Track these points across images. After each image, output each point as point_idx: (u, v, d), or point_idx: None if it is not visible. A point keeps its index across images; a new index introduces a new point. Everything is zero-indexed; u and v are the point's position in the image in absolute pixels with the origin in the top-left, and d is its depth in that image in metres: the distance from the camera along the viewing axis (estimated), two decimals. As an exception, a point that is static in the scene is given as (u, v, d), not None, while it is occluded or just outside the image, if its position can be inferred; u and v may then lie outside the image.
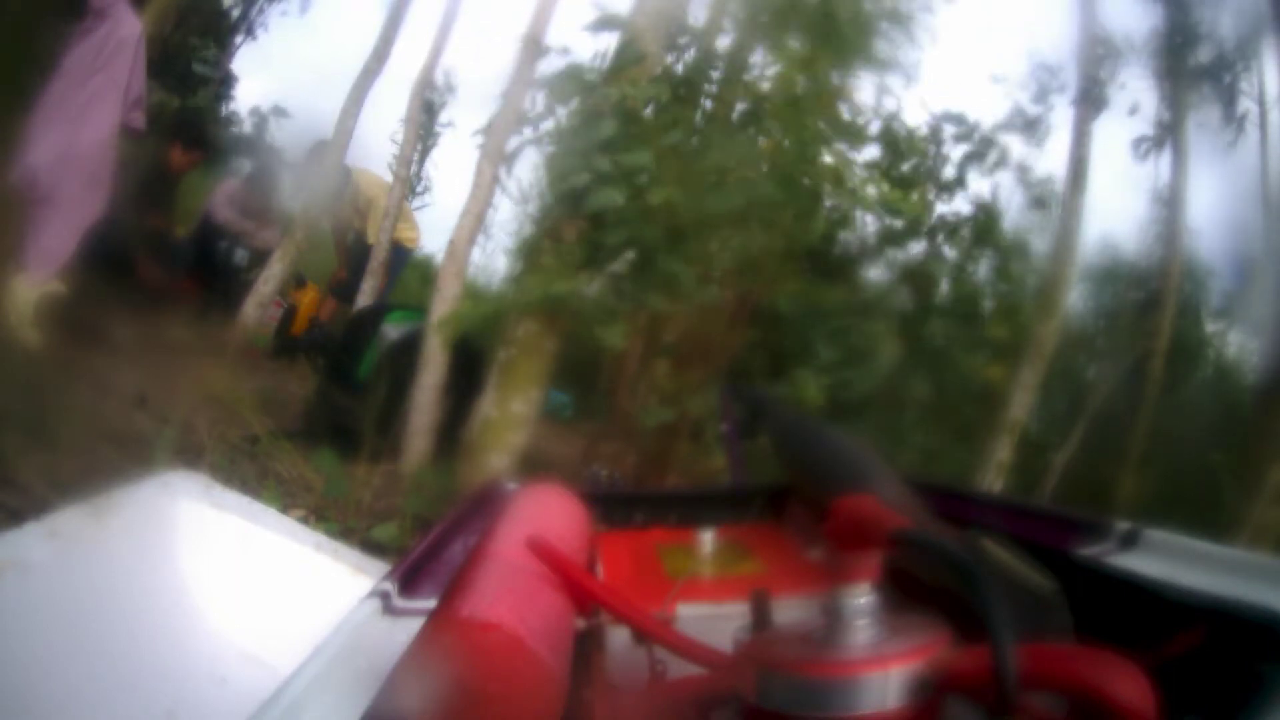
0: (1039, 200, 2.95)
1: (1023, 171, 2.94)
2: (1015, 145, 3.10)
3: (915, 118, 2.72)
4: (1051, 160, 3.29)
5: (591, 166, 2.01)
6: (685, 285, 2.01)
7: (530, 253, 2.25)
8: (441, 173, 5.50)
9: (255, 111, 5.50)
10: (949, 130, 2.72)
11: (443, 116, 3.82)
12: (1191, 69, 3.84)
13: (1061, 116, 3.48)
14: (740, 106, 2.34)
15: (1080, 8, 3.56)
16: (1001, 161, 2.82)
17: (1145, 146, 3.82)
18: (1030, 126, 3.39)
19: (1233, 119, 3.86)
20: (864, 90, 2.45)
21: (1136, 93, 3.79)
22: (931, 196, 2.68)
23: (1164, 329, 3.80)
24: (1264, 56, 3.86)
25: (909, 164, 2.68)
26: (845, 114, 2.43)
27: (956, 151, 2.77)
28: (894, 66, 2.33)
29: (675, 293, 2.00)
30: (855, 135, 2.44)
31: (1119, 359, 3.98)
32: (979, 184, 2.80)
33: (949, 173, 2.71)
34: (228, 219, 3.84)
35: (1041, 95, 3.59)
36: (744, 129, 2.30)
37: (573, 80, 2.20)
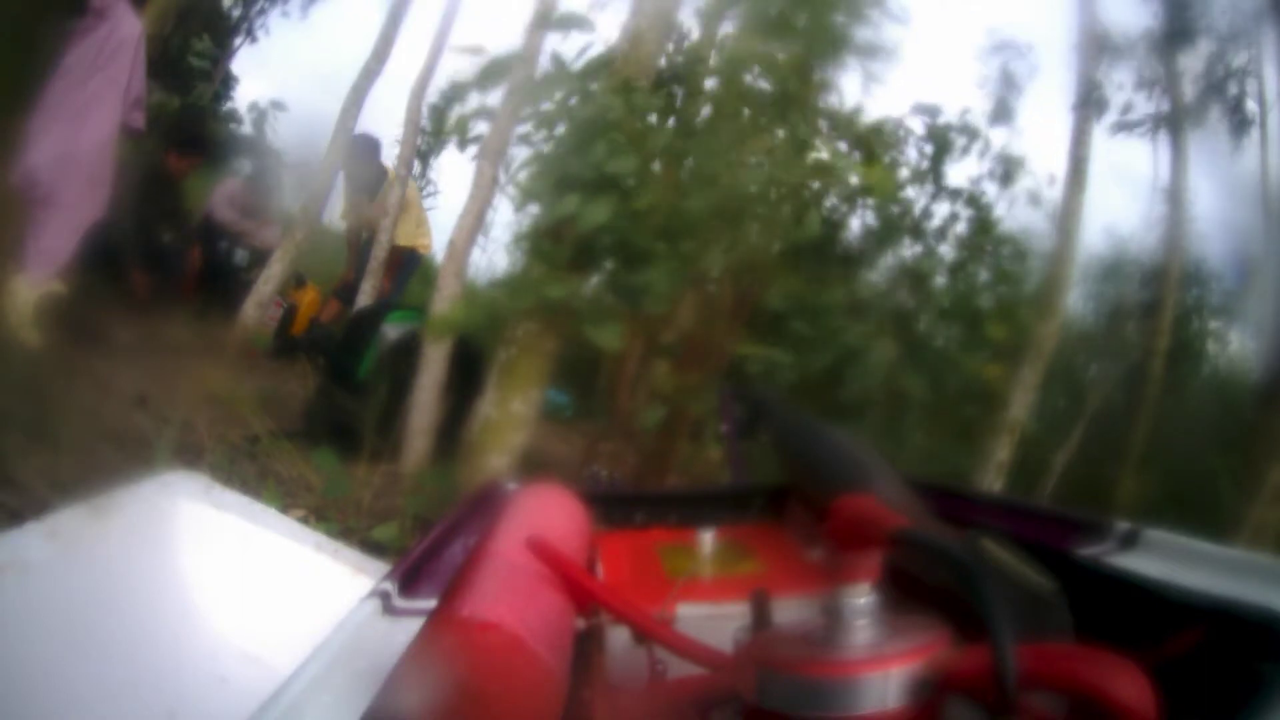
0: (1006, 175, 2.94)
1: (1005, 161, 2.94)
2: (994, 135, 3.11)
3: (896, 108, 2.72)
4: (1025, 142, 3.31)
5: (578, 176, 2.01)
6: (672, 286, 2.01)
7: (526, 255, 2.25)
8: (442, 173, 5.51)
9: (254, 107, 5.49)
10: (925, 121, 2.71)
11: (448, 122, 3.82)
12: (1191, 68, 3.85)
13: (1036, 98, 3.51)
14: (730, 104, 2.34)
15: (1079, 8, 3.57)
16: (980, 148, 2.82)
17: (1119, 126, 3.82)
18: (1000, 111, 3.42)
19: (1233, 119, 3.87)
20: (849, 80, 2.45)
21: (1136, 94, 3.80)
22: (918, 190, 2.68)
23: (1164, 329, 3.80)
24: (1264, 56, 3.87)
25: (892, 156, 2.68)
26: (833, 105, 2.43)
27: (934, 143, 2.77)
28: (877, 52, 2.33)
29: (664, 293, 2.00)
30: (844, 128, 2.44)
31: (1119, 359, 3.98)
32: (963, 175, 2.80)
33: (932, 165, 2.70)
34: (227, 219, 3.84)
35: (1007, 79, 3.63)
36: (733, 127, 2.30)
37: (557, 82, 2.21)
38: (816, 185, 2.41)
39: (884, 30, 2.28)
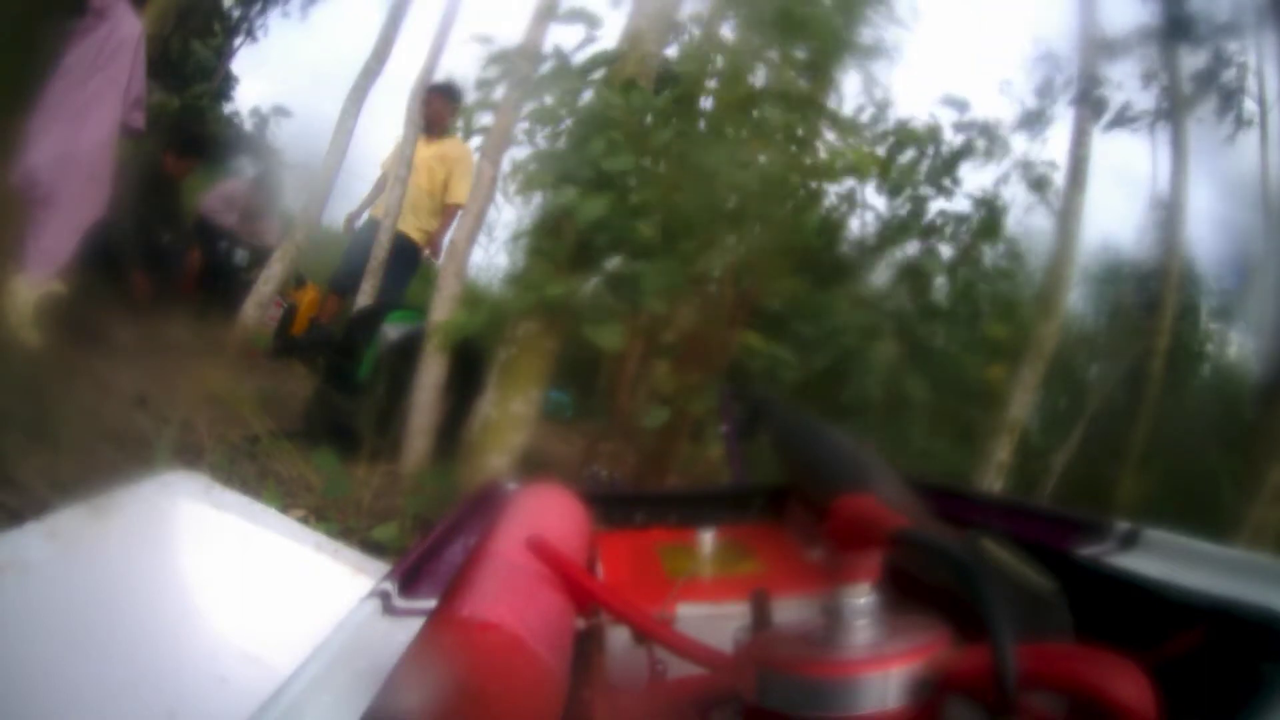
0: (1038, 184, 2.94)
1: (1026, 167, 2.93)
2: (1019, 142, 3.12)
3: (913, 108, 2.72)
4: (1053, 152, 3.31)
5: (576, 173, 2.02)
6: (671, 284, 2.01)
7: (526, 253, 2.26)
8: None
9: (256, 112, 5.51)
10: (950, 118, 2.70)
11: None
12: (1190, 67, 3.85)
13: (1062, 112, 3.51)
14: (731, 104, 2.34)
15: (1080, 6, 3.57)
16: (1002, 153, 2.81)
17: (1117, 120, 3.81)
18: (1033, 121, 3.41)
19: (1232, 118, 3.87)
20: (853, 80, 2.45)
21: (1135, 92, 3.80)
22: (932, 189, 2.67)
23: (1164, 329, 3.80)
24: (1264, 55, 3.87)
25: (906, 156, 2.67)
26: (835, 105, 2.44)
27: (957, 142, 2.76)
28: (880, 53, 2.33)
29: (663, 291, 2.01)
30: (846, 129, 2.45)
31: (1119, 359, 3.98)
32: (980, 178, 2.80)
33: (949, 165, 2.70)
34: (220, 220, 3.82)
35: (1045, 89, 3.63)
36: (734, 127, 2.30)
37: (558, 81, 2.21)
38: (815, 185, 2.41)
39: (887, 31, 2.29)
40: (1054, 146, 3.35)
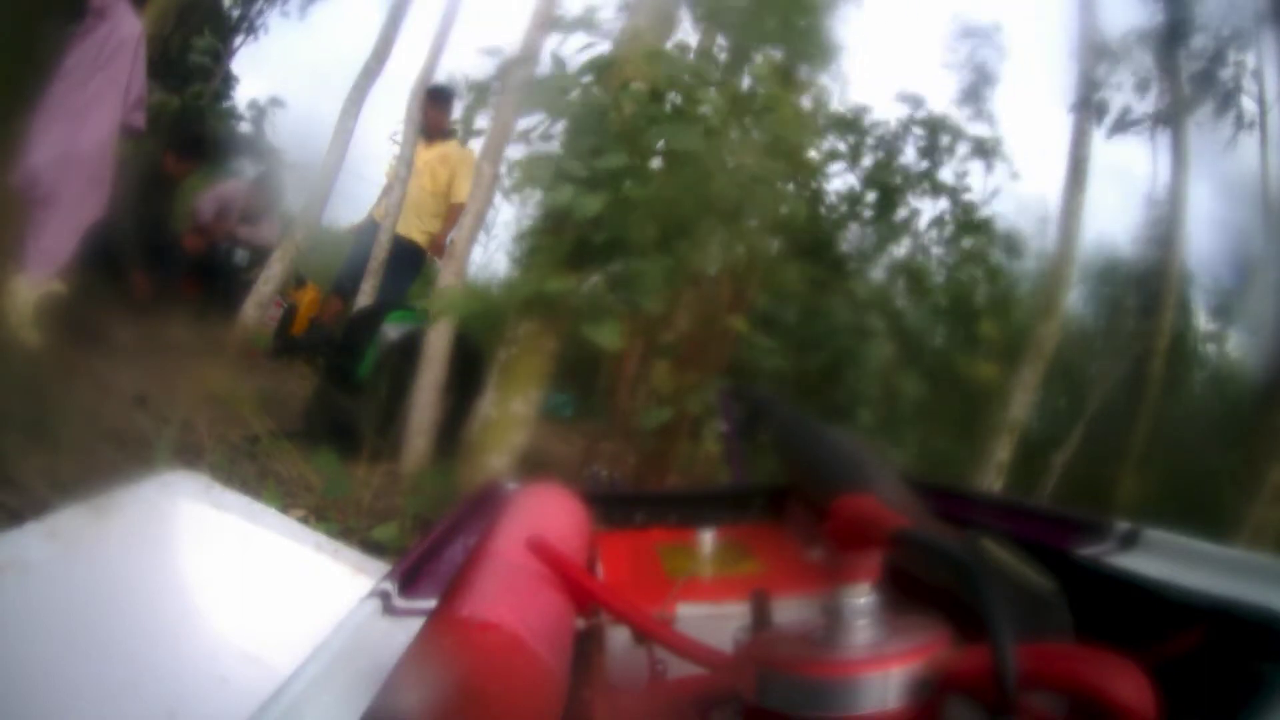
0: (984, 154, 2.99)
1: (982, 144, 2.97)
2: (970, 125, 3.18)
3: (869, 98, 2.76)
4: (1004, 129, 3.39)
5: (570, 172, 2.02)
6: (667, 282, 2.02)
7: (525, 251, 2.26)
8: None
9: (254, 105, 5.51)
10: (907, 114, 2.75)
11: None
12: (1190, 67, 3.86)
13: (1030, 98, 3.60)
14: (726, 105, 2.35)
15: (1080, 9, 3.57)
16: (959, 141, 2.86)
17: (1117, 126, 3.83)
18: (970, 95, 3.49)
19: (1231, 117, 3.87)
20: (823, 79, 2.49)
21: (1134, 94, 3.82)
22: (910, 187, 2.71)
23: (1164, 329, 3.80)
24: (1264, 56, 3.87)
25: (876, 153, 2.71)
26: (812, 105, 2.46)
27: (918, 139, 2.82)
28: (844, 50, 2.37)
29: (658, 288, 2.01)
30: (835, 127, 2.47)
31: (1119, 359, 3.98)
32: (947, 174, 2.84)
33: (916, 162, 2.75)
34: (213, 224, 3.82)
35: (976, 66, 3.72)
36: (728, 126, 2.31)
37: (554, 83, 2.22)
38: (808, 183, 2.43)
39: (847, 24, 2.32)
40: (1014, 136, 3.43)
